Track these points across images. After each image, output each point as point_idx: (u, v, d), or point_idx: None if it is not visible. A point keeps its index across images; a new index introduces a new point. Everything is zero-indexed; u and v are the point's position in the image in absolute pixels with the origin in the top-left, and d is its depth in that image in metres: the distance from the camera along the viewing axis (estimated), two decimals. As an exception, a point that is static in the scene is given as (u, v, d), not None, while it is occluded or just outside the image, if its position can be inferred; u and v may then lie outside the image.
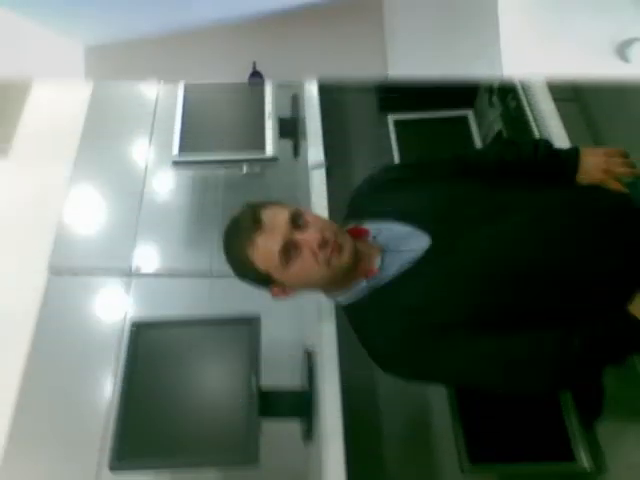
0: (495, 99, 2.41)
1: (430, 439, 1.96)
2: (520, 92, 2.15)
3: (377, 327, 1.19)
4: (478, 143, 2.52)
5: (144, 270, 2.34)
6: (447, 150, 1.49)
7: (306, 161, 1.87)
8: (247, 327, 1.59)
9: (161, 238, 2.44)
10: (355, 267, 1.20)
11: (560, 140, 1.83)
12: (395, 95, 2.68)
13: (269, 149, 2.16)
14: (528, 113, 2.06)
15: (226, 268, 1.24)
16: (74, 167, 2.58)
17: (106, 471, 1.46)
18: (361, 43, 2.29)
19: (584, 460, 1.68)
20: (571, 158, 1.38)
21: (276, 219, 1.16)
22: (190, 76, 2.32)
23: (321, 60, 2.26)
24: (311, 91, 2.08)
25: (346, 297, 1.26)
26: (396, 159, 2.50)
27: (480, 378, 1.16)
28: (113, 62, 2.40)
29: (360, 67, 2.28)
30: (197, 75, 2.35)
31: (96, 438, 1.96)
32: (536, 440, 1.71)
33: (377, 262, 1.22)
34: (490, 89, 2.45)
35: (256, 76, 2.32)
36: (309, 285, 1.23)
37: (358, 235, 1.27)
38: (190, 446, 1.45)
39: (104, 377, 2.09)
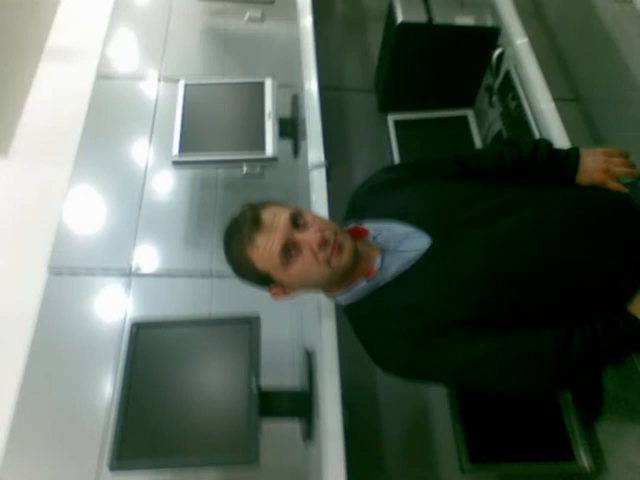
0: (495, 99, 2.41)
1: (430, 439, 1.96)
2: (520, 92, 2.15)
3: (377, 327, 1.19)
4: (478, 143, 2.52)
5: (144, 270, 2.34)
6: (447, 150, 1.49)
7: (306, 161, 1.86)
8: (247, 327, 1.59)
9: (161, 238, 2.44)
10: (355, 267, 1.20)
11: (560, 140, 1.83)
12: (395, 95, 2.68)
13: (269, 149, 2.16)
14: (528, 113, 2.06)
15: (226, 268, 1.24)
16: (74, 167, 2.58)
17: (106, 471, 1.46)
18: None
19: (584, 460, 1.68)
20: (571, 158, 1.38)
21: (276, 219, 1.16)
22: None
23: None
24: (311, 91, 2.08)
25: (346, 297, 1.26)
26: (396, 159, 2.50)
27: (480, 378, 1.16)
28: None
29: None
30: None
31: (96, 438, 1.96)
32: (536, 440, 1.71)
33: (377, 262, 1.23)
34: (490, 89, 2.45)
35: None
36: (309, 285, 1.24)
37: (358, 235, 1.28)
38: (190, 446, 1.45)
39: (104, 377, 2.09)
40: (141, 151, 2.68)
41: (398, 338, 1.16)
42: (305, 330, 1.98)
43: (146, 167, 2.62)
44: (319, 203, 1.72)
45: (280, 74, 2.39)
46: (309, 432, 1.62)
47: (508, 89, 2.27)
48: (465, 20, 2.37)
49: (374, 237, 1.27)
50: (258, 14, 3.15)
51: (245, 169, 2.21)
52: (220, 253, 1.24)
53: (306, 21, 2.33)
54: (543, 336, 1.12)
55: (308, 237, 1.14)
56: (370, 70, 2.86)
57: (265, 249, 1.14)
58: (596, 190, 1.35)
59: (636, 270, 1.20)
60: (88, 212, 2.50)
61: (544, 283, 1.16)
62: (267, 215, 1.17)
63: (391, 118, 2.61)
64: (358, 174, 2.53)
